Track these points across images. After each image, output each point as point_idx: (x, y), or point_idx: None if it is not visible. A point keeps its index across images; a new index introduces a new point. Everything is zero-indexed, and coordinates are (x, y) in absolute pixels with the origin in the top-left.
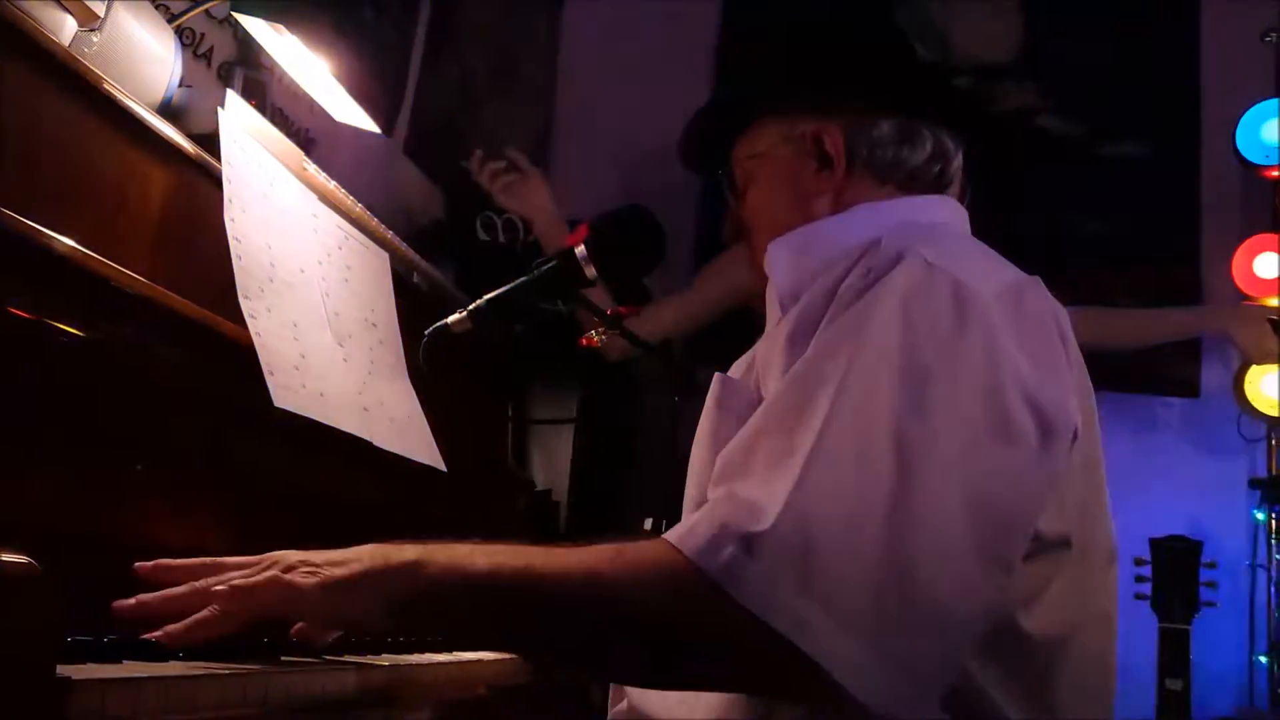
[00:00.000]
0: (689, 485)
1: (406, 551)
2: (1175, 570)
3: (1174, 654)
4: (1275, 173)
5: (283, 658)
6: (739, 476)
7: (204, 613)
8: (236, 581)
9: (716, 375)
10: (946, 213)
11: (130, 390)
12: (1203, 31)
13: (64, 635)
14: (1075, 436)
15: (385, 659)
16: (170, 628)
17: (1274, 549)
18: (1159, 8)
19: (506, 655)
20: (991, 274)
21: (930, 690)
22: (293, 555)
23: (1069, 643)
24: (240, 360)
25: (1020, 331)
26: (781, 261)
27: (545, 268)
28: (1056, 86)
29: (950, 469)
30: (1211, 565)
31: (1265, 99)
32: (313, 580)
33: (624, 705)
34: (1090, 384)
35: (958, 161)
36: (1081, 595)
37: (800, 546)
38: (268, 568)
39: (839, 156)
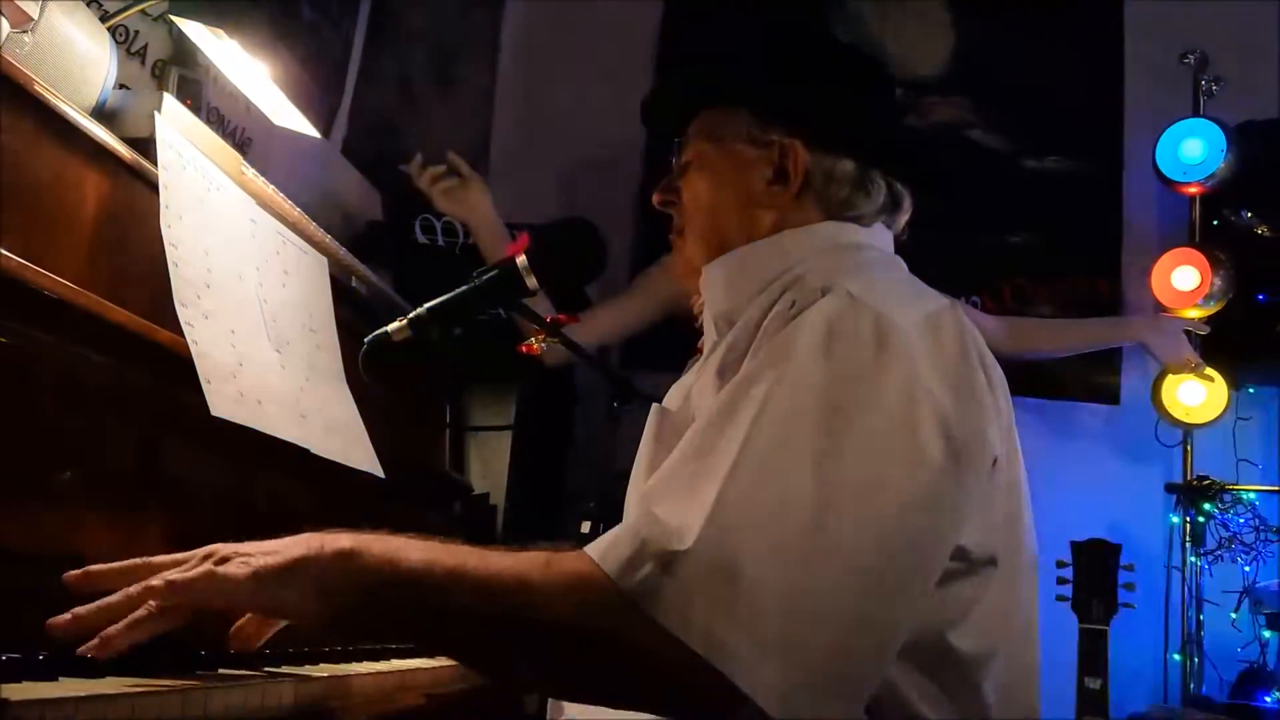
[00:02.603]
0: (626, 513)
1: (341, 540)
2: (1095, 572)
3: (1093, 653)
4: (1193, 189)
5: (220, 670)
6: (659, 498)
7: (139, 612)
8: (171, 576)
9: (654, 407)
10: (869, 233)
11: (61, 399)
12: (1126, 52)
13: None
14: (995, 463)
15: (323, 669)
16: (107, 631)
17: (1188, 551)
18: (1084, 28)
19: (443, 663)
20: (912, 305)
21: (845, 706)
22: (226, 547)
23: (996, 656)
24: (175, 368)
25: (940, 362)
26: (717, 285)
27: (487, 277)
28: (984, 101)
29: (864, 496)
30: (1129, 568)
31: (1184, 118)
32: (245, 570)
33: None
34: (1010, 405)
35: (906, 209)
36: (1007, 610)
37: (717, 567)
38: (201, 561)
39: (796, 177)
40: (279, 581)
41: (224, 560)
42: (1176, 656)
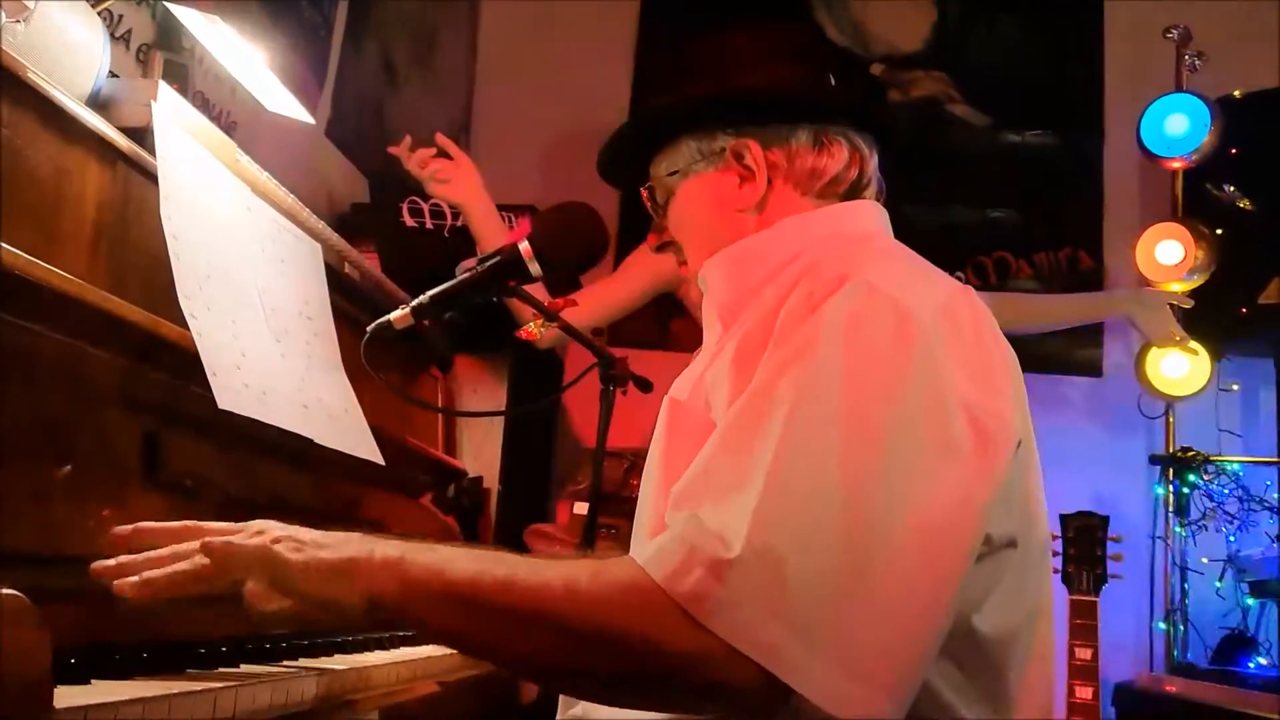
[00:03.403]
0: (642, 506)
1: (390, 547)
2: (1083, 544)
3: (1083, 624)
4: (1177, 164)
5: (241, 665)
6: (700, 502)
7: (184, 564)
8: (231, 539)
9: (666, 399)
10: (871, 219)
11: (66, 394)
12: (1107, 27)
13: (53, 669)
14: (1019, 445)
15: (338, 660)
16: (150, 574)
17: (1172, 522)
18: (1065, 3)
19: (450, 650)
20: (927, 291)
21: (900, 702)
22: (278, 526)
23: (1018, 638)
24: (176, 360)
25: (959, 347)
26: (718, 279)
27: (489, 264)
28: (966, 76)
29: (898, 488)
30: (1117, 539)
31: (1166, 93)
32: (299, 557)
33: (577, 710)
34: (1023, 384)
35: (874, 163)
36: (1026, 591)
37: (765, 572)
38: (255, 534)
39: (760, 169)
40: (328, 578)
41: (277, 540)
42: (1161, 625)
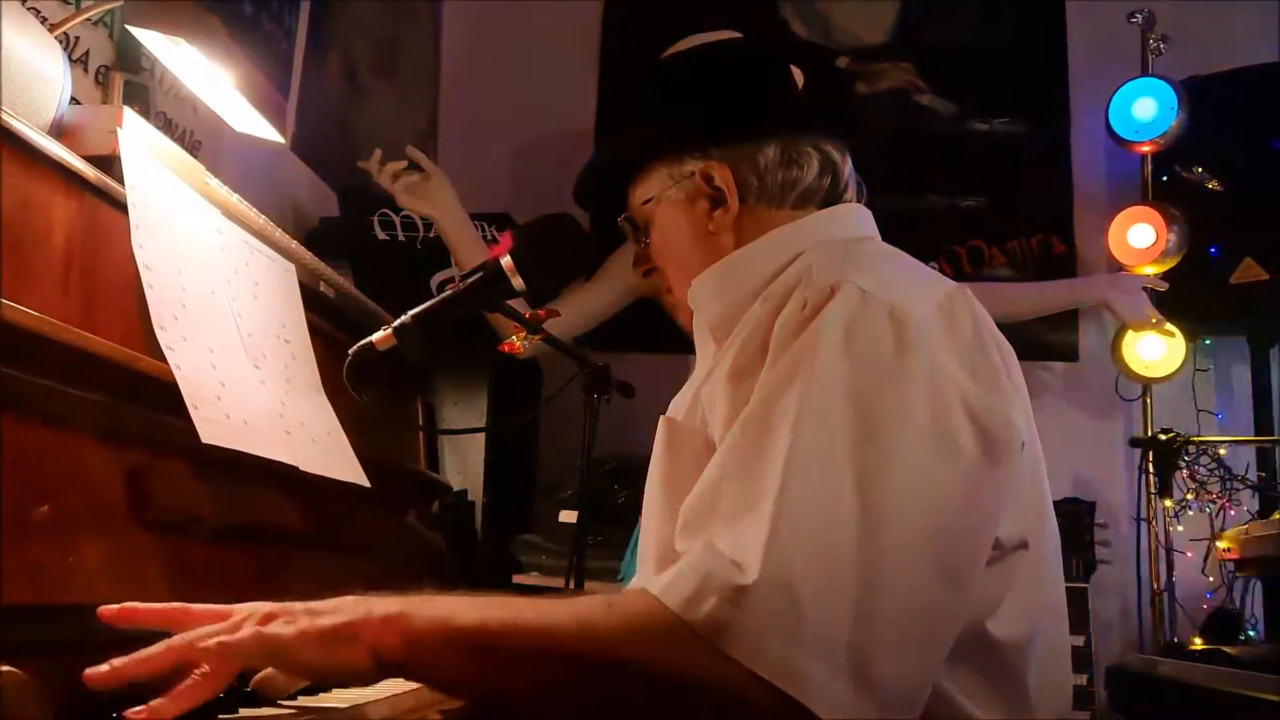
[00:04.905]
0: (645, 528)
1: (389, 604)
2: (1071, 531)
3: (1075, 611)
4: (1146, 147)
5: (241, 710)
6: (711, 526)
7: (190, 681)
8: (223, 639)
9: (663, 419)
10: (857, 222)
11: (45, 435)
12: (1070, 13)
13: None
14: (1024, 447)
15: (337, 696)
16: (156, 704)
17: (1155, 503)
18: None
19: None
20: (923, 293)
21: (913, 712)
22: (269, 606)
23: (1035, 639)
24: (156, 394)
25: (958, 349)
26: (707, 296)
27: (471, 280)
28: (932, 66)
29: (907, 497)
30: (1104, 525)
31: (1132, 77)
32: (293, 631)
33: None
34: (1023, 380)
35: (848, 168)
36: (1039, 592)
37: (781, 596)
38: (243, 621)
39: (730, 191)
40: (330, 646)
41: (269, 618)
42: (1149, 607)
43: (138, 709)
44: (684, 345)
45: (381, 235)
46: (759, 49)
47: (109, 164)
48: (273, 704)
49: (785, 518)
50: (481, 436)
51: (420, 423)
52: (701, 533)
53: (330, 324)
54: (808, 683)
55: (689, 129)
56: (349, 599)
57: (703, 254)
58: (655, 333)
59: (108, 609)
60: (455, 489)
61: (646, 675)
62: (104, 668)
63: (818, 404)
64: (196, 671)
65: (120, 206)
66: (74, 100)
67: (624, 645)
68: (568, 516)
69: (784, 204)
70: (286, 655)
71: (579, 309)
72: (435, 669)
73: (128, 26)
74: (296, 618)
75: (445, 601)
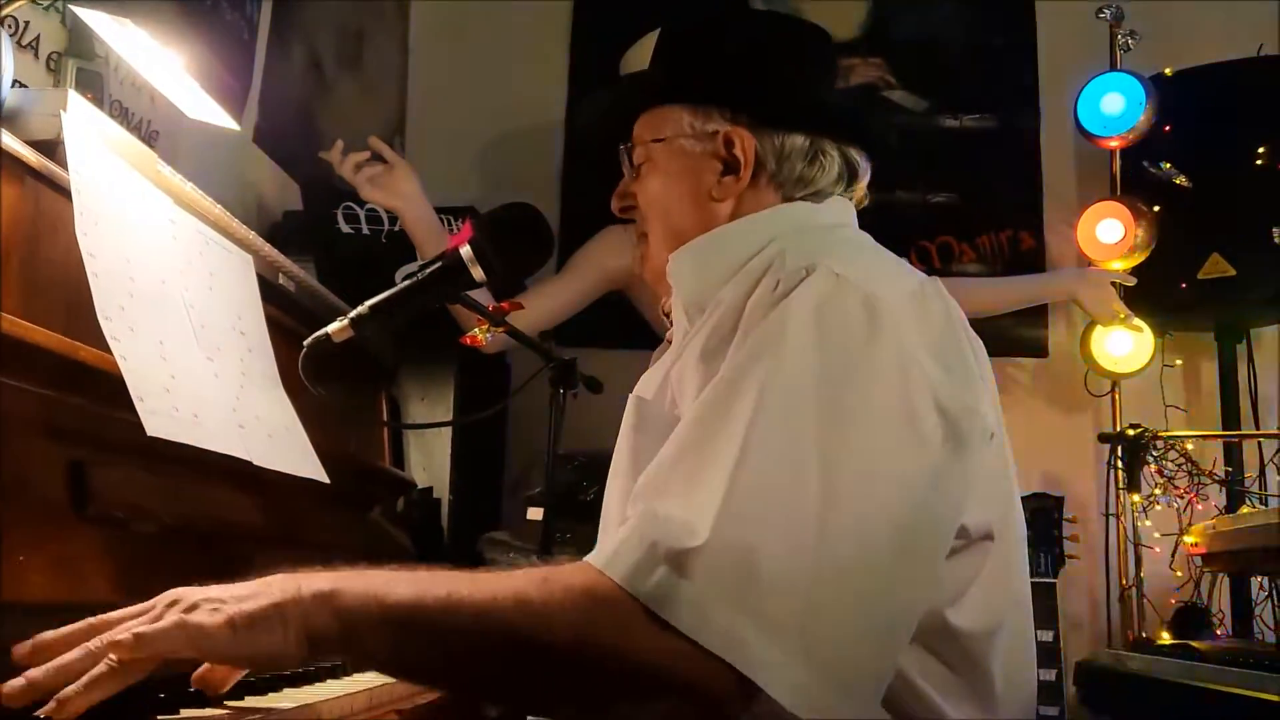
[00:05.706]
0: (607, 507)
1: (319, 580)
2: (1040, 526)
3: (1043, 606)
4: (1114, 143)
5: (182, 711)
6: (660, 495)
7: (99, 668)
8: (139, 629)
9: (631, 397)
10: (835, 211)
11: None
12: (1040, 9)
13: None
14: (992, 437)
15: (287, 695)
16: (63, 693)
17: (1124, 499)
18: None
19: None
20: (896, 281)
21: (866, 698)
22: (192, 593)
23: (999, 632)
24: (100, 386)
25: (928, 339)
26: (685, 272)
27: (430, 271)
28: (902, 61)
29: (869, 478)
30: (1073, 520)
31: (1101, 73)
32: (219, 618)
33: None
34: (992, 374)
35: (866, 177)
36: (1003, 583)
37: (733, 561)
38: (169, 606)
39: (746, 164)
40: (257, 630)
41: (193, 608)
42: (1118, 602)
43: (49, 708)
44: (653, 340)
45: (346, 229)
46: (826, 38)
47: (53, 149)
48: (218, 704)
49: (741, 485)
50: (448, 433)
51: (385, 418)
52: (651, 501)
53: (291, 318)
54: (754, 656)
55: (733, 88)
56: (278, 577)
57: (695, 213)
58: (623, 327)
59: (21, 647)
60: (421, 486)
61: (589, 653)
62: (20, 681)
63: (784, 382)
64: (108, 659)
65: (65, 193)
66: (21, 85)
67: (561, 620)
68: (535, 514)
69: (791, 196)
70: (211, 642)
71: (546, 302)
72: (369, 647)
73: (71, 6)
74: (223, 604)
75: (378, 577)
